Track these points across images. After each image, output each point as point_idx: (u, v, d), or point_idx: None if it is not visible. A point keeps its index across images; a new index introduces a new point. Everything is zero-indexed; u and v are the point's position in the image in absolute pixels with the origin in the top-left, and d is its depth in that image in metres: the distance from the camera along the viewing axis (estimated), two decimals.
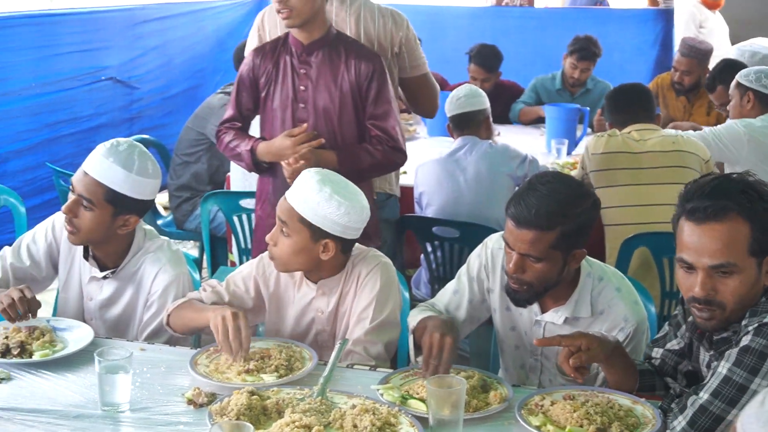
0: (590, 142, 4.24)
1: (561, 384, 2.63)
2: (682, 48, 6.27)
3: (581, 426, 2.22)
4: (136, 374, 2.48)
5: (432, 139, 6.07)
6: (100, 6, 6.90)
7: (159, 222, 5.59)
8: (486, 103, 4.53)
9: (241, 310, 2.64)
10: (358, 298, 2.82)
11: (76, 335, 2.77)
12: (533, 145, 5.60)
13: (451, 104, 4.51)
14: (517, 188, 4.32)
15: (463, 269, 2.87)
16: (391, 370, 2.60)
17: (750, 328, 2.15)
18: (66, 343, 2.73)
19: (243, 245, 4.42)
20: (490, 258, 2.80)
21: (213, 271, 4.82)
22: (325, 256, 2.76)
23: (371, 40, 3.72)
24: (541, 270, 2.54)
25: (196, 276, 3.26)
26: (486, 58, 6.44)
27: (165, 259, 3.00)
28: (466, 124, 4.44)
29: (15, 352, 2.62)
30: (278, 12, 3.36)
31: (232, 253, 5.07)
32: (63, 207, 2.88)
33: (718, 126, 4.63)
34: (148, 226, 3.12)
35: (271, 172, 3.53)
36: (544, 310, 2.70)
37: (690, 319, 2.38)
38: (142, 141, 5.76)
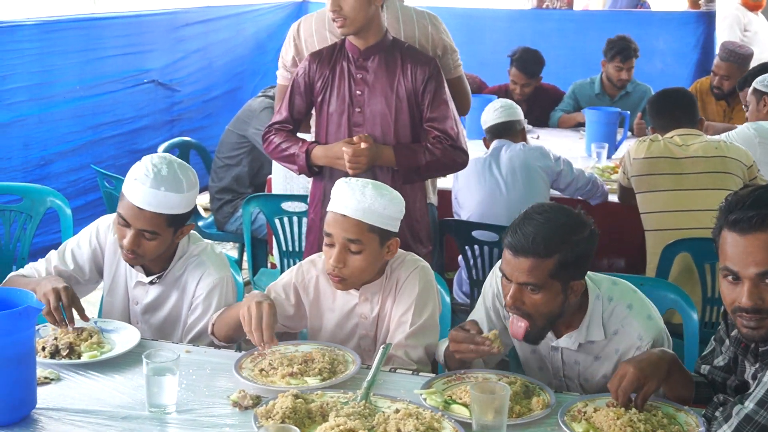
0: (632, 146, 4.23)
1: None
2: (722, 52, 6.23)
3: None
4: (182, 376, 2.51)
5: (470, 142, 6.06)
6: (144, 10, 6.98)
7: (200, 223, 5.65)
8: (521, 116, 4.62)
9: (267, 300, 2.67)
10: (398, 303, 2.84)
11: (123, 337, 2.82)
12: (573, 148, 5.59)
13: (487, 115, 4.57)
14: (552, 183, 4.39)
15: (480, 299, 2.86)
16: (433, 375, 2.62)
17: None
18: (113, 345, 2.78)
19: (284, 247, 4.45)
20: (500, 285, 2.75)
21: (254, 272, 4.86)
22: (389, 256, 2.84)
23: (412, 43, 3.75)
24: (539, 301, 2.51)
25: (239, 279, 3.29)
26: (528, 64, 6.42)
27: (209, 262, 3.03)
28: (502, 134, 4.50)
29: (64, 353, 2.67)
30: (333, 20, 3.39)
31: (272, 255, 5.12)
32: (126, 244, 2.86)
33: (733, 130, 4.65)
34: (192, 231, 3.16)
35: (323, 176, 3.55)
36: (558, 336, 2.68)
37: (733, 333, 2.37)
38: (182, 143, 5.88)
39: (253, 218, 4.77)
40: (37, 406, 2.38)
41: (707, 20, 8.14)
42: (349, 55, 3.49)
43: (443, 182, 4.36)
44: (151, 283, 3.04)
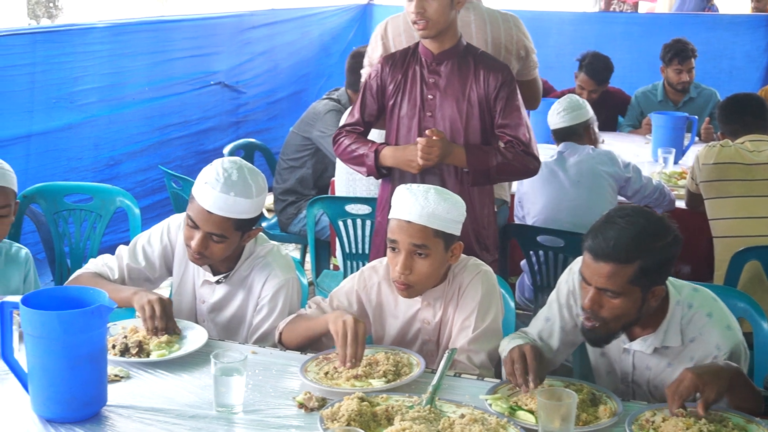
0: (701, 151, 4.17)
1: None
2: None
3: None
4: (249, 377, 2.53)
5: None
6: (211, 13, 7.08)
7: (263, 224, 5.70)
8: (587, 114, 4.55)
9: (360, 319, 2.68)
10: (460, 308, 2.84)
11: (191, 336, 2.86)
12: (639, 153, 5.54)
13: (552, 117, 4.55)
14: (620, 190, 4.34)
15: (553, 295, 2.83)
16: (498, 380, 2.61)
17: None
18: (181, 344, 2.81)
19: (347, 249, 4.47)
20: (576, 283, 2.73)
21: (317, 274, 4.90)
22: (453, 260, 2.84)
23: (498, 44, 3.75)
24: (618, 306, 2.47)
25: (304, 281, 3.32)
26: (597, 71, 6.34)
27: (275, 264, 3.06)
28: (567, 137, 4.48)
29: (133, 352, 2.71)
30: (414, 23, 3.39)
31: (335, 257, 5.14)
32: (194, 246, 2.89)
33: None
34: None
35: (391, 179, 3.55)
36: (632, 338, 2.64)
37: None
38: (247, 145, 5.95)
39: (317, 220, 4.80)
40: (107, 403, 2.42)
41: None
42: (422, 59, 3.50)
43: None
44: (218, 282, 3.07)
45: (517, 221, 4.44)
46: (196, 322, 3.03)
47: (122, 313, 2.97)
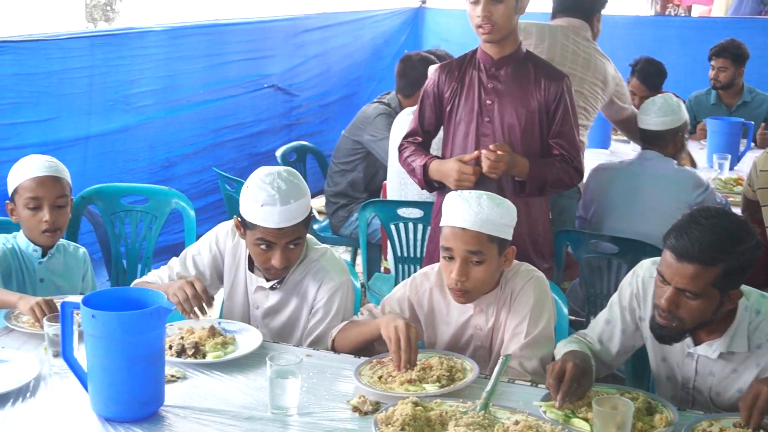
0: (759, 157, 4.10)
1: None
2: None
3: None
4: (303, 379, 2.55)
5: (589, 151, 6.00)
6: (265, 16, 7.13)
7: (315, 227, 5.73)
8: (680, 120, 4.31)
9: (412, 324, 2.70)
10: (513, 314, 2.84)
11: (246, 338, 2.89)
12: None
13: (642, 116, 4.35)
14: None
15: (614, 298, 2.81)
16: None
17: None
18: (236, 346, 2.84)
19: (399, 253, 4.48)
20: (641, 286, 2.73)
21: (368, 277, 4.91)
22: (507, 265, 2.85)
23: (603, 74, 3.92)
24: (696, 307, 2.45)
25: (357, 284, 3.33)
26: (650, 77, 6.28)
27: (329, 267, 3.07)
28: (652, 140, 4.31)
29: (189, 353, 2.74)
30: (478, 27, 3.40)
31: (386, 260, 5.15)
32: (277, 263, 2.91)
33: None
34: (309, 235, 3.21)
35: (442, 191, 3.56)
36: (697, 343, 2.61)
37: None
38: (300, 147, 5.99)
39: (368, 222, 4.81)
40: (164, 403, 2.45)
41: None
42: (481, 65, 3.50)
43: None
44: (272, 288, 3.10)
45: (578, 222, 4.39)
46: None
47: (179, 314, 3.01)
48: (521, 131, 3.46)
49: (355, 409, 2.44)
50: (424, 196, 4.27)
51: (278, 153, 5.64)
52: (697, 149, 5.79)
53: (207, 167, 6.10)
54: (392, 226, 4.45)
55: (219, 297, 3.35)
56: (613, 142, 6.22)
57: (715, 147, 5.40)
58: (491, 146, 3.37)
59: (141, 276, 4.22)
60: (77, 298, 2.40)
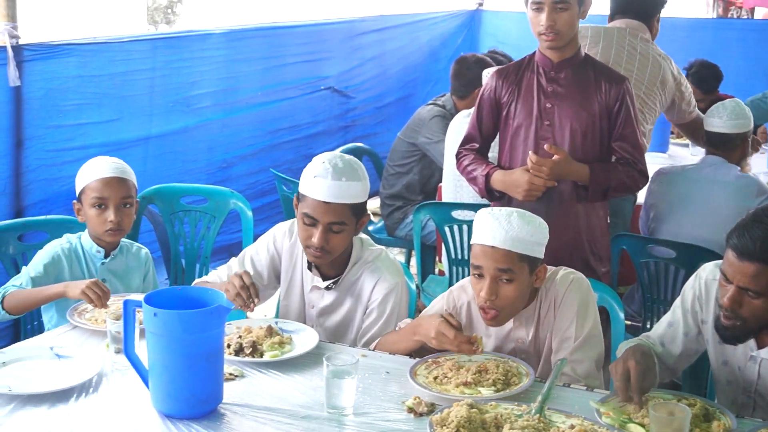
0: None
1: None
2: None
3: None
4: (359, 380, 2.56)
5: (647, 155, 5.95)
6: (323, 19, 7.17)
7: (370, 228, 5.77)
8: (748, 125, 4.30)
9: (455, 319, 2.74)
10: (559, 320, 2.82)
11: (303, 338, 2.92)
12: (754, 164, 5.40)
13: (710, 118, 4.32)
14: None
15: (677, 301, 2.80)
16: (608, 392, 2.59)
17: None
18: (293, 346, 2.88)
19: (453, 255, 4.49)
20: (703, 289, 2.71)
21: (422, 278, 4.93)
22: (538, 283, 2.81)
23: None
24: (759, 307, 2.43)
25: (412, 286, 3.35)
26: (704, 80, 6.20)
27: (384, 268, 3.10)
28: (719, 144, 4.27)
29: (247, 351, 2.78)
30: (541, 34, 3.39)
31: (440, 262, 5.16)
32: (316, 241, 2.94)
33: None
34: (364, 236, 3.24)
35: (502, 200, 3.55)
36: (760, 346, 2.59)
37: None
38: (355, 149, 6.02)
39: (423, 225, 4.83)
40: (223, 401, 2.49)
41: None
42: (540, 68, 3.49)
43: None
44: (327, 288, 3.13)
45: (641, 225, 4.36)
46: None
47: (237, 314, 3.06)
48: (582, 135, 3.45)
49: (410, 410, 2.46)
50: (479, 198, 4.27)
51: None
52: (757, 154, 5.71)
53: (264, 168, 6.15)
54: (446, 229, 4.46)
55: (276, 296, 3.41)
56: (671, 146, 6.16)
57: None
58: (546, 146, 3.36)
59: (199, 275, 4.29)
60: (139, 297, 2.46)
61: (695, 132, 4.51)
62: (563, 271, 2.90)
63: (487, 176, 3.52)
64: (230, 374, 2.66)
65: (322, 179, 2.93)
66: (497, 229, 2.73)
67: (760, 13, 10.17)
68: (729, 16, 9.09)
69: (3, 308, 3.18)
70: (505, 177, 3.48)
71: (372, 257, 3.13)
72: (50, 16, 6.10)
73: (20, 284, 3.26)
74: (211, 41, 5.72)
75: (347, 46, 7.22)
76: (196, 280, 3.30)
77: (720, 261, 2.55)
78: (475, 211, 4.21)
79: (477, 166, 3.58)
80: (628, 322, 4.08)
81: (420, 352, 2.83)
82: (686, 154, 5.91)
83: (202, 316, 2.39)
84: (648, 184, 4.27)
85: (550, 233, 2.83)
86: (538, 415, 2.35)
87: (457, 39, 8.66)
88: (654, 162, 5.13)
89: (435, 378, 2.63)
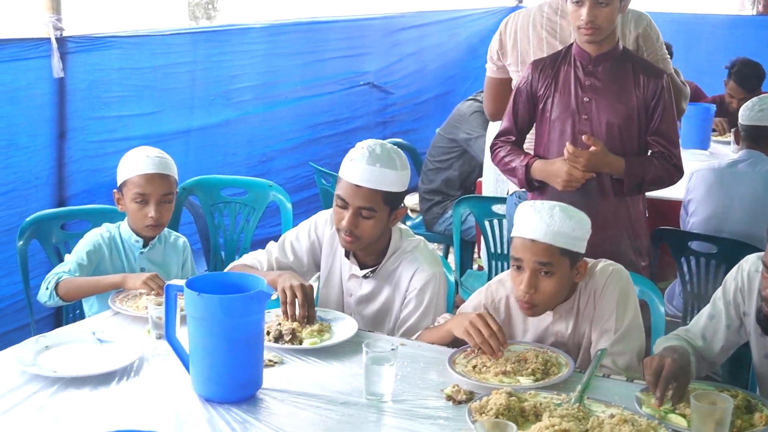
0: None
1: None
2: None
3: None
4: (397, 368, 2.56)
5: (686, 152, 5.87)
6: (362, 15, 7.19)
7: (408, 223, 5.77)
8: None
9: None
10: (599, 312, 2.81)
11: (342, 326, 2.93)
12: None
13: (748, 111, 4.25)
14: None
15: (718, 293, 2.77)
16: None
17: None
18: (332, 333, 2.89)
19: (492, 249, 4.48)
20: (746, 280, 2.69)
21: (461, 273, 4.92)
22: (579, 278, 2.80)
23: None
24: None
25: (451, 277, 3.35)
26: (747, 79, 6.13)
27: (422, 258, 3.10)
28: (758, 138, 4.20)
29: (287, 339, 2.80)
30: (580, 28, 3.36)
31: (480, 257, 5.16)
32: (345, 224, 2.96)
33: None
34: (404, 226, 3.24)
35: (541, 191, 3.54)
36: None
37: None
38: (394, 145, 6.01)
39: (462, 219, 4.82)
40: (262, 386, 2.50)
41: None
42: (577, 61, 3.46)
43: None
44: (365, 277, 3.14)
45: (681, 225, 4.32)
46: None
47: (277, 302, 3.07)
48: (619, 129, 3.42)
49: (449, 398, 2.46)
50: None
51: None
52: None
53: (303, 162, 6.18)
54: (486, 223, 4.45)
55: (315, 285, 3.41)
56: (712, 143, 6.09)
57: None
58: (584, 137, 3.34)
59: None
60: (181, 282, 2.47)
61: None
62: (603, 262, 2.88)
63: (527, 166, 3.50)
64: (270, 361, 2.67)
65: (357, 162, 2.95)
66: (539, 222, 2.72)
67: None
68: None
69: (57, 294, 3.22)
70: (546, 166, 3.46)
71: (411, 247, 3.13)
72: (93, 8, 6.16)
73: (68, 270, 3.29)
74: (251, 35, 5.76)
75: (386, 42, 7.23)
76: (232, 263, 3.30)
77: (763, 253, 2.53)
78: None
79: (515, 157, 3.55)
80: (668, 319, 4.04)
81: (455, 344, 2.82)
82: (727, 151, 5.84)
83: (243, 301, 2.40)
84: (687, 182, 4.25)
85: (592, 227, 2.81)
86: (577, 404, 2.34)
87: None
88: (694, 159, 5.10)
89: (474, 367, 2.63)
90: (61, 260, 3.50)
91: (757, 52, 6.48)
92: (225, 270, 3.31)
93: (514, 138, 3.61)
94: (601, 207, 3.42)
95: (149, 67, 4.97)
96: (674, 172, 3.47)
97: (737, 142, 4.48)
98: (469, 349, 2.72)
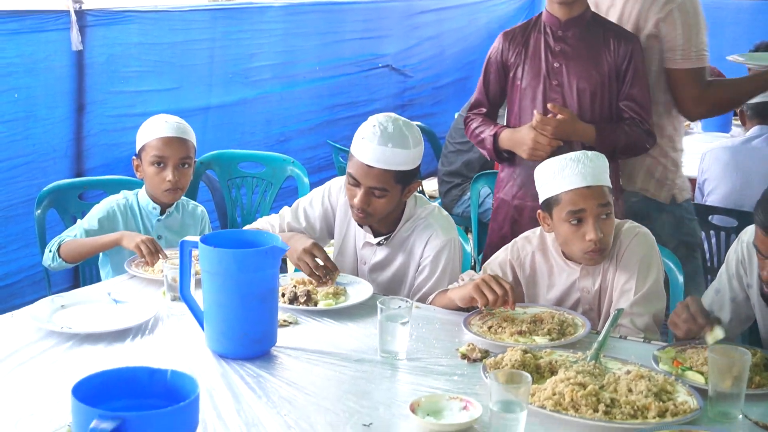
0: None
1: None
2: None
3: None
4: (412, 329, 2.56)
5: (707, 134, 5.86)
6: None
7: None
8: None
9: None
10: (620, 271, 2.80)
11: (357, 290, 2.93)
12: None
13: None
14: None
15: (723, 267, 2.76)
16: (665, 344, 2.55)
17: None
18: (347, 296, 2.89)
19: None
20: (746, 252, 2.66)
21: (479, 253, 4.89)
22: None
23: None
24: None
25: (468, 248, 3.32)
26: None
27: (436, 224, 3.07)
28: (764, 115, 4.20)
29: (302, 300, 2.79)
30: None
31: None
32: (357, 203, 2.95)
33: None
34: (418, 194, 3.22)
35: (510, 161, 3.47)
36: None
37: None
38: None
39: (481, 201, 4.80)
40: (276, 344, 2.50)
41: None
42: (547, 27, 3.38)
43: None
44: (379, 244, 3.12)
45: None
46: None
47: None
48: (591, 95, 3.33)
49: (464, 356, 2.44)
50: None
51: None
52: None
53: (321, 143, 6.18)
54: None
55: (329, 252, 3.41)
56: (733, 127, 6.04)
57: None
58: (549, 105, 3.26)
59: None
60: (196, 238, 2.47)
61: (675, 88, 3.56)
62: (629, 223, 2.88)
63: (495, 135, 3.44)
64: (284, 321, 2.67)
65: (369, 142, 2.92)
66: (584, 168, 2.74)
67: None
68: None
69: (60, 256, 3.23)
70: (513, 134, 3.37)
71: (424, 214, 3.10)
72: None
73: (74, 235, 3.31)
74: (270, 14, 5.75)
75: (405, 25, 7.21)
76: (245, 227, 3.29)
77: None
78: None
79: (485, 128, 3.48)
80: None
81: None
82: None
83: (257, 256, 2.40)
84: (700, 163, 4.21)
85: None
86: (593, 361, 2.32)
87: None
88: (716, 142, 5.04)
89: (489, 328, 2.62)
90: None
91: None
92: None
93: (485, 110, 3.55)
94: None
95: (168, 43, 4.97)
96: (646, 138, 3.35)
97: (743, 122, 4.44)
98: (485, 311, 2.71)
